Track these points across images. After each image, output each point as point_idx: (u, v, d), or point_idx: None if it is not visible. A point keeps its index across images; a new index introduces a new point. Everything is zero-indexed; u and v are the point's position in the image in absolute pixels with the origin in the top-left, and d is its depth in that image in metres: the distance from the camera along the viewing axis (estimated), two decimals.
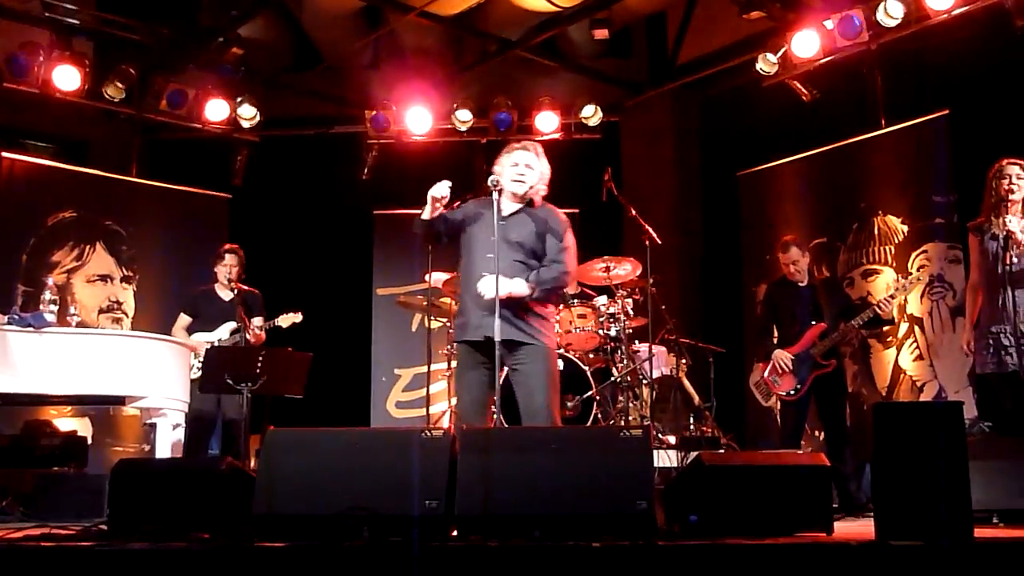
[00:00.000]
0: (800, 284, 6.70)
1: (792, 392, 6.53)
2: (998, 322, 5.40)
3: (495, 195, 4.65)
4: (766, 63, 8.04)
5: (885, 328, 7.20)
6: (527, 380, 4.66)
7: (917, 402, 6.85)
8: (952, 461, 3.27)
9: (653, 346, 7.03)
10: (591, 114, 9.21)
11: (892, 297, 6.55)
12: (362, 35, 9.50)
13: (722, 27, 8.98)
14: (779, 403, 6.85)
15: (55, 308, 5.90)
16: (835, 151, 8.07)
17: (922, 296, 7.25)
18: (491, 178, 4.73)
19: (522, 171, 4.81)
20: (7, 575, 3.17)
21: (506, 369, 4.74)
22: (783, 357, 6.54)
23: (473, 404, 4.72)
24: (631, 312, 7.31)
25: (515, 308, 4.63)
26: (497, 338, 4.42)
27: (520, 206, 4.87)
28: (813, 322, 6.55)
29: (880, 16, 7.27)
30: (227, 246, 7.31)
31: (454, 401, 4.75)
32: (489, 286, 4.51)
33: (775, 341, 6.74)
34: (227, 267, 7.14)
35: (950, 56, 7.37)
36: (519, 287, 4.63)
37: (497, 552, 3.18)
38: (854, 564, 3.07)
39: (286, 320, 7.10)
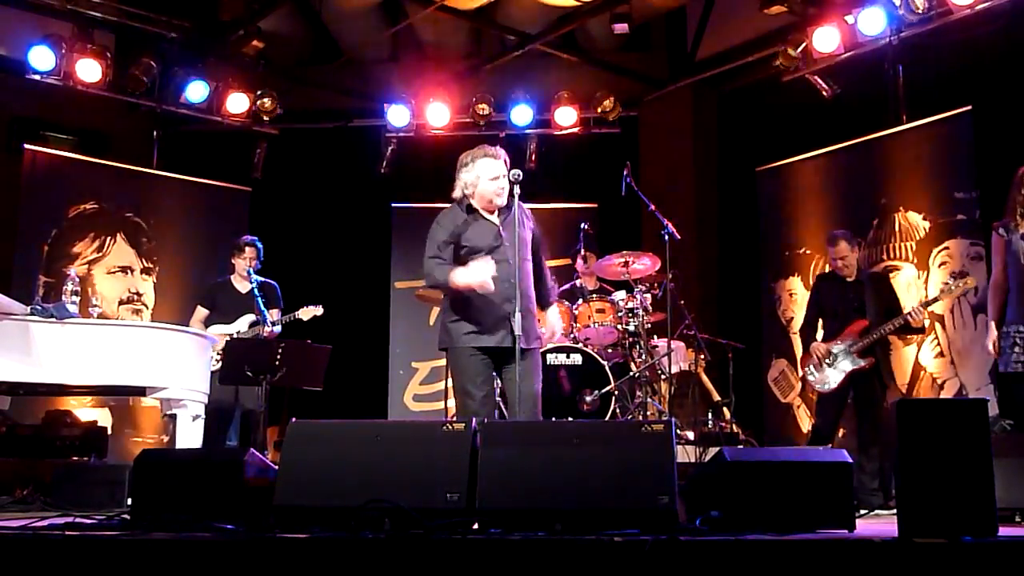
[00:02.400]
0: (848, 279, 6.67)
1: (826, 386, 6.52)
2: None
3: (515, 193, 4.79)
4: (786, 58, 8.01)
5: (923, 333, 7.11)
6: (527, 376, 4.72)
7: (941, 399, 6.82)
8: (976, 458, 3.25)
9: (672, 341, 7.02)
10: (610, 109, 9.19)
11: (934, 300, 6.49)
12: (381, 29, 9.52)
13: (742, 22, 8.95)
14: (817, 396, 6.81)
15: (77, 299, 5.93)
16: (855, 147, 8.02)
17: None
18: (513, 172, 4.78)
19: (503, 184, 4.81)
20: (32, 563, 3.19)
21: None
22: (819, 349, 6.53)
23: (487, 402, 4.80)
24: (649, 307, 7.30)
25: (529, 315, 4.78)
26: (522, 345, 4.62)
27: (503, 210, 4.91)
28: (856, 317, 6.53)
29: (902, 11, 7.24)
30: (246, 238, 7.34)
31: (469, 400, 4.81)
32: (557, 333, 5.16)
33: (817, 334, 6.71)
34: (246, 259, 7.17)
35: (973, 52, 7.32)
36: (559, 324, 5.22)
37: (518, 545, 3.18)
38: (877, 561, 3.05)
39: (307, 313, 7.11)
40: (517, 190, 4.74)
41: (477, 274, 4.63)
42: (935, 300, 6.52)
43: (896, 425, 3.35)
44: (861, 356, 6.44)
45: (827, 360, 6.50)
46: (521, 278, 4.68)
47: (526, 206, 4.95)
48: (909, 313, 6.35)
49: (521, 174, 4.76)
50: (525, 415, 4.65)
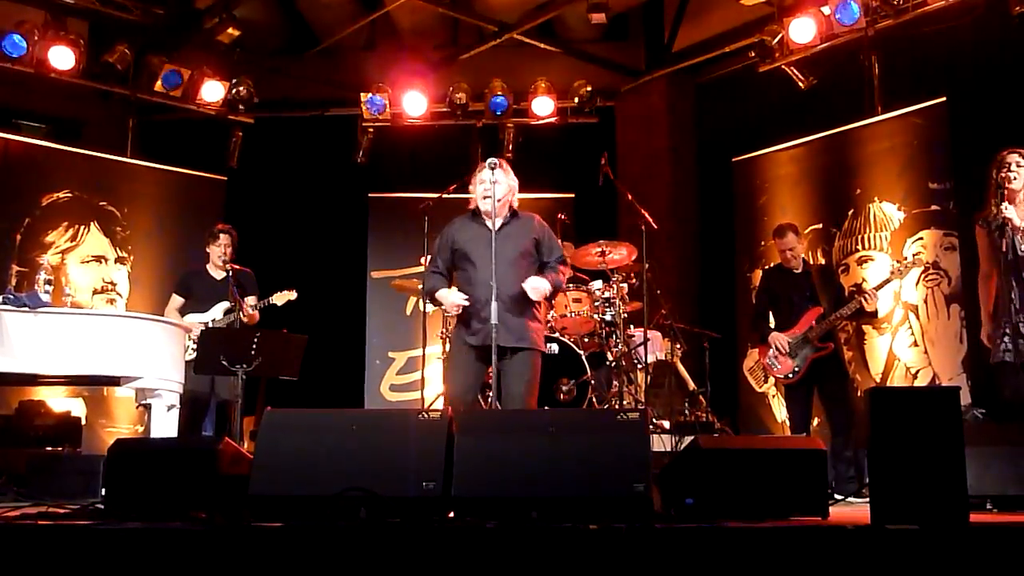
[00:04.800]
0: (795, 270, 6.73)
1: (791, 375, 6.56)
2: (1012, 311, 5.38)
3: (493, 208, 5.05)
4: (763, 49, 8.04)
5: (877, 317, 7.21)
6: (513, 377, 5.06)
7: (913, 387, 6.88)
8: (948, 446, 3.28)
9: (648, 331, 7.03)
10: (587, 98, 9.19)
11: (886, 282, 6.57)
12: (358, 17, 9.47)
13: (719, 13, 8.98)
14: (784, 389, 6.86)
15: (50, 288, 5.88)
16: (831, 138, 8.06)
17: (917, 283, 7.27)
18: (490, 160, 4.92)
19: (488, 187, 5.10)
20: (5, 553, 3.17)
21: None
22: (780, 339, 6.57)
23: (468, 391, 5.16)
24: (626, 297, 7.31)
25: (519, 317, 5.06)
26: (500, 342, 4.87)
27: (505, 217, 5.19)
28: (810, 306, 6.58)
29: (877, 2, 7.29)
30: (221, 226, 7.29)
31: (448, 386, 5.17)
32: (536, 288, 5.03)
33: (772, 326, 6.77)
34: (221, 247, 7.12)
35: (947, 43, 7.37)
36: (545, 285, 5.08)
37: (494, 534, 3.19)
38: (849, 548, 3.08)
39: (280, 298, 7.07)
40: (515, 203, 5.19)
41: (451, 299, 5.14)
42: (887, 282, 6.60)
43: (869, 414, 3.37)
44: (821, 341, 6.50)
45: (788, 349, 6.55)
46: (504, 283, 4.93)
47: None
48: (864, 296, 6.43)
49: (497, 161, 4.84)
50: None
